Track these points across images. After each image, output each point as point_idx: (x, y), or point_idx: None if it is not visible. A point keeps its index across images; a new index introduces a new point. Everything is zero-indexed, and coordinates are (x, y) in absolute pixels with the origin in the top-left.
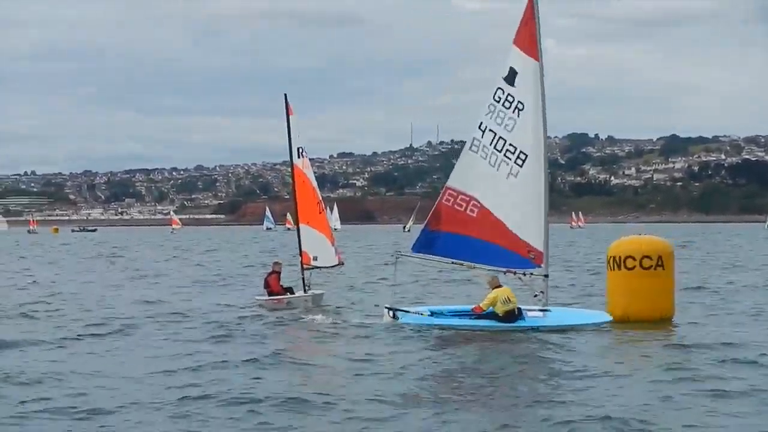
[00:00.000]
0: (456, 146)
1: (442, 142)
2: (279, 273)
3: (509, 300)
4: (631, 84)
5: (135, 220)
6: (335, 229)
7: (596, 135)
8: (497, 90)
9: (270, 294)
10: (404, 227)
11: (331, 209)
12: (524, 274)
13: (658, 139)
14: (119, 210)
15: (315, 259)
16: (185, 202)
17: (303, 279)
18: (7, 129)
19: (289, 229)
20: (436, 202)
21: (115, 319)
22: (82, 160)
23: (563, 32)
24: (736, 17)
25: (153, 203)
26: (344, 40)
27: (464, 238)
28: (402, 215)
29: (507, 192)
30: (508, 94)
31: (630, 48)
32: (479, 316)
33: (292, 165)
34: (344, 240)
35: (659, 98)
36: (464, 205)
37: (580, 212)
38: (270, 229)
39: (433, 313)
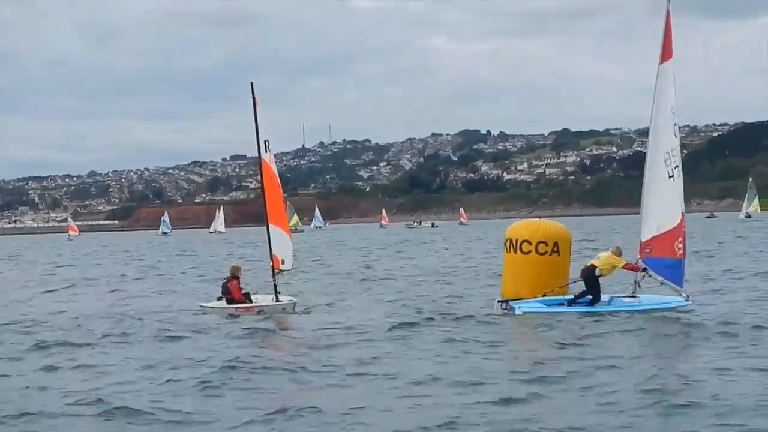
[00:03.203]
0: (348, 146)
1: (334, 142)
2: (239, 278)
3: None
4: (525, 79)
5: (29, 228)
6: (219, 233)
7: (488, 131)
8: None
9: (230, 302)
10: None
11: (218, 212)
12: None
13: (549, 134)
14: (12, 219)
15: (283, 262)
16: (78, 209)
17: (275, 285)
18: None
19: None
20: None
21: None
22: None
23: (458, 28)
24: (633, 11)
25: (47, 210)
26: (239, 39)
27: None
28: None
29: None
30: (672, 106)
31: (525, 44)
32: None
33: (260, 159)
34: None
35: (553, 93)
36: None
37: (461, 209)
38: (166, 233)
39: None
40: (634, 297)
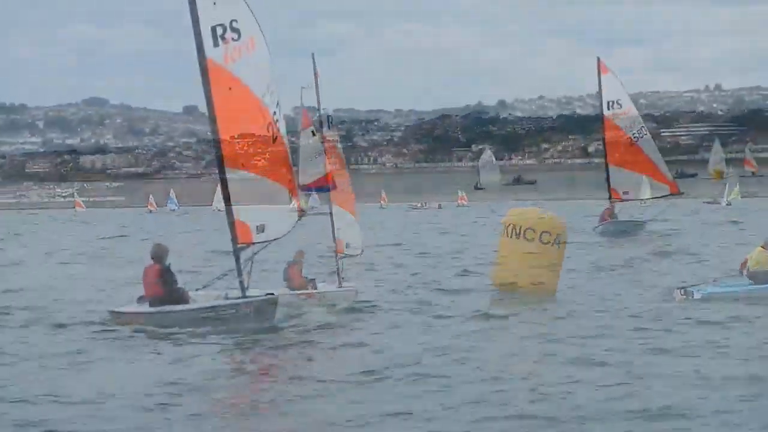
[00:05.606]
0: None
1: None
2: (300, 263)
3: None
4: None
5: (32, 204)
6: (219, 210)
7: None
8: None
9: (292, 288)
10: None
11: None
12: None
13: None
14: (17, 193)
15: (348, 246)
16: (85, 184)
17: (338, 271)
18: None
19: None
20: None
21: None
22: None
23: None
24: None
25: (51, 186)
26: None
27: None
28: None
29: None
30: None
31: None
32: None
33: (322, 136)
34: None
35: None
36: None
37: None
38: (174, 211)
39: None
40: None
